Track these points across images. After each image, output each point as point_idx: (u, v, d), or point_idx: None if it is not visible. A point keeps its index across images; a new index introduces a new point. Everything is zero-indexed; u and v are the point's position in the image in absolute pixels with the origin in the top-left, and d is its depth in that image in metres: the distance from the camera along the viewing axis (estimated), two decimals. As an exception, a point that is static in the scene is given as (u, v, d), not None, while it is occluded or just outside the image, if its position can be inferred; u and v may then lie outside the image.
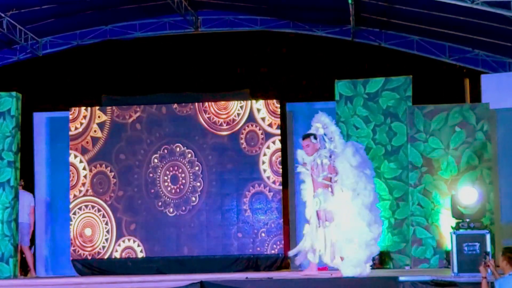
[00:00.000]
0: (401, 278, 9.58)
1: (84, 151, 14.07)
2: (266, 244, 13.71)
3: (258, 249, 13.72)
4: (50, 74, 15.69)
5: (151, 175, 13.99)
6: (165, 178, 13.98)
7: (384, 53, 15.04)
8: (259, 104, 14.01)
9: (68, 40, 15.83)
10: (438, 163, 12.65)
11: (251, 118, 13.99)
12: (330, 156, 9.98)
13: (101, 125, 14.13)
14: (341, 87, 13.34)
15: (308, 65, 15.29)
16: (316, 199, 10.06)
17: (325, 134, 10.22)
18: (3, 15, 13.90)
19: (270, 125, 13.92)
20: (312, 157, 10.18)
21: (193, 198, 13.91)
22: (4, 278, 12.65)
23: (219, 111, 14.08)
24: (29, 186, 14.18)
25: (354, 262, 9.67)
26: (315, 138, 10.15)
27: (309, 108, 14.27)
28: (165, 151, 14.03)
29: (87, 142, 14.11)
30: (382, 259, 12.65)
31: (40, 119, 14.76)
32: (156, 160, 14.01)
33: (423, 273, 10.65)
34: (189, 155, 14.01)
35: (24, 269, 13.89)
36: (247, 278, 10.02)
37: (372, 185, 9.83)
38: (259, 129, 13.94)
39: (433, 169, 12.65)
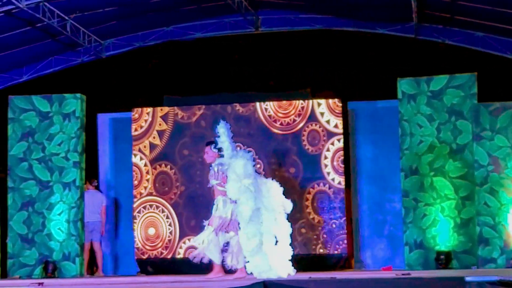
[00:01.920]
0: (467, 279, 9.41)
1: (146, 152, 14.17)
2: (329, 244, 13.66)
3: (321, 248, 13.67)
4: (113, 76, 15.83)
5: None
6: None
7: (447, 50, 14.83)
8: (321, 103, 13.96)
9: (130, 42, 15.95)
10: (505, 162, 12.43)
11: (312, 117, 13.95)
12: (223, 165, 10.12)
13: (162, 126, 14.21)
14: (404, 85, 13.20)
15: (370, 63, 15.15)
16: (215, 206, 10.32)
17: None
18: (66, 18, 14.07)
19: (332, 124, 13.85)
20: (213, 164, 10.39)
21: (256, 198, 13.89)
22: (71, 277, 12.81)
23: (280, 111, 14.06)
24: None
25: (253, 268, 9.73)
26: (216, 146, 10.26)
27: (371, 107, 14.18)
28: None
29: (150, 143, 14.21)
30: (448, 260, 12.48)
31: (103, 120, 14.93)
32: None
33: (489, 273, 10.47)
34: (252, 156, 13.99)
35: (92, 268, 14.05)
36: (310, 277, 9.96)
37: (251, 198, 9.75)
38: (321, 128, 13.89)
39: (499, 168, 12.44)
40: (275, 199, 10.10)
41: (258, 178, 10.04)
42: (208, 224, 10.33)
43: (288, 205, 10.19)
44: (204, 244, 10.28)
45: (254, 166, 9.92)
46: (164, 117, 14.28)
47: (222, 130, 10.14)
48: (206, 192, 13.92)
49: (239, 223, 9.83)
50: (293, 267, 10.09)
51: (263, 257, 9.73)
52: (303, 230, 13.73)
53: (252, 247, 9.67)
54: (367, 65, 15.21)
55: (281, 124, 14.02)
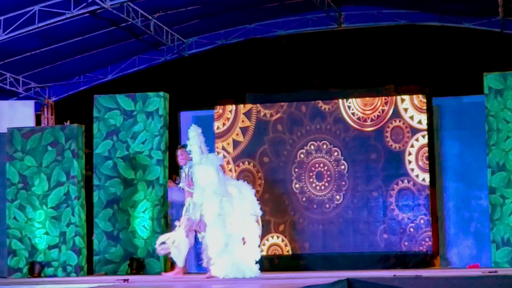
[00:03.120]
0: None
1: (229, 149, 14.21)
2: (414, 241, 13.45)
3: (406, 246, 13.48)
4: (196, 74, 15.94)
5: (296, 171, 13.97)
6: (310, 174, 13.93)
7: (536, 44, 14.49)
8: (404, 99, 13.77)
9: (212, 40, 16.06)
10: None
11: (396, 114, 13.76)
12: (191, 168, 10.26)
13: (245, 123, 14.23)
14: (491, 80, 12.88)
15: (455, 58, 14.89)
16: (184, 207, 10.41)
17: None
18: (150, 17, 14.23)
19: (416, 120, 13.64)
20: (184, 166, 10.49)
21: (338, 195, 13.81)
22: (155, 273, 12.92)
23: (363, 107, 13.92)
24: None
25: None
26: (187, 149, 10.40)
27: (457, 102, 13.91)
28: (310, 147, 13.98)
29: (233, 140, 14.24)
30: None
31: (186, 117, 15.01)
32: (302, 156, 13.99)
33: None
34: (335, 152, 13.91)
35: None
36: (395, 275, 9.81)
37: (215, 203, 9.87)
38: (405, 125, 13.69)
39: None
40: (246, 202, 10.21)
41: (228, 181, 10.25)
42: (179, 226, 10.47)
43: (257, 208, 10.29)
44: (174, 244, 10.35)
45: (222, 170, 10.15)
46: (247, 114, 14.28)
47: (192, 134, 10.21)
48: (288, 190, 13.92)
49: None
50: (259, 269, 10.14)
51: (228, 259, 9.83)
52: (387, 228, 13.57)
53: (216, 249, 9.82)
54: (452, 60, 14.97)
55: (364, 120, 13.88)
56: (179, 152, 10.72)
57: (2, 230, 13.74)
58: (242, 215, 10.14)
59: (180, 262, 10.53)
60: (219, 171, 10.08)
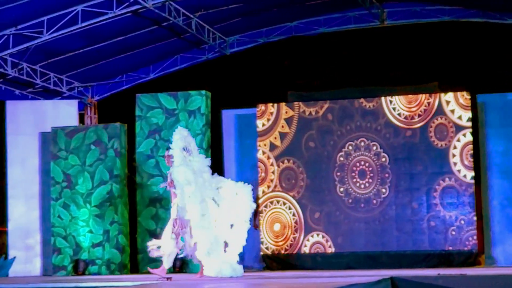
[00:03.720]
0: None
1: (272, 147, 14.18)
2: (459, 240, 13.30)
3: (450, 244, 13.34)
4: (238, 72, 15.94)
5: (338, 173, 13.90)
6: (353, 174, 13.85)
7: None
8: (448, 96, 13.63)
9: (254, 38, 16.03)
10: None
11: (440, 111, 13.63)
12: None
13: (288, 121, 14.19)
14: (536, 76, 12.72)
15: (500, 54, 14.70)
16: (173, 208, 10.39)
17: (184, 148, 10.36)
18: (192, 16, 14.25)
19: (460, 117, 13.50)
20: (170, 168, 10.45)
21: (382, 193, 13.70)
22: (198, 272, 12.91)
23: (407, 105, 13.80)
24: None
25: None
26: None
27: (502, 99, 13.74)
28: (353, 145, 13.91)
29: (275, 138, 14.21)
30: None
31: (228, 116, 15.02)
32: (343, 156, 13.91)
33: None
34: (377, 150, 13.82)
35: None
36: (439, 274, 9.72)
37: (195, 205, 10.01)
38: (449, 122, 13.55)
39: None
40: (239, 205, 10.35)
41: (222, 183, 10.46)
42: (169, 229, 10.43)
43: (248, 213, 10.43)
44: (166, 251, 10.32)
45: (209, 172, 10.35)
46: (289, 112, 14.22)
47: (176, 137, 10.28)
48: (331, 186, 13.85)
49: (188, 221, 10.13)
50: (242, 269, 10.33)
51: (218, 258, 10.04)
52: (432, 226, 13.43)
53: (204, 249, 9.97)
54: (496, 56, 14.78)
55: (408, 118, 13.75)
56: (165, 154, 10.73)
57: (47, 228, 13.88)
58: (228, 218, 10.32)
59: (166, 264, 10.46)
60: (202, 172, 10.24)
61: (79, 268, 13.28)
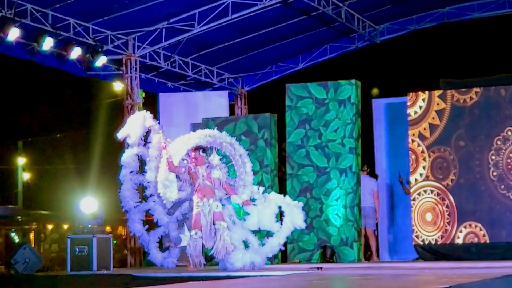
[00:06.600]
0: None
1: (422, 136, 13.89)
2: None
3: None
4: (388, 60, 15.75)
5: (493, 158, 13.47)
6: (508, 161, 13.39)
7: None
8: None
9: (404, 26, 15.77)
10: None
11: None
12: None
13: (440, 110, 13.85)
14: None
15: None
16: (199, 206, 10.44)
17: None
18: (341, 5, 14.16)
19: None
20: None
21: (540, 182, 13.20)
22: (348, 261, 12.87)
23: None
24: (371, 172, 14.33)
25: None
26: (204, 151, 10.62)
27: None
28: (508, 133, 13.44)
29: (424, 129, 13.89)
30: None
31: (378, 105, 14.85)
32: (499, 143, 13.47)
33: None
34: (534, 138, 13.32)
35: (365, 253, 14.03)
36: None
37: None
38: None
39: None
40: (263, 213, 10.68)
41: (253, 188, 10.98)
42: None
43: (271, 222, 10.82)
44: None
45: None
46: (442, 98, 13.88)
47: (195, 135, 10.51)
48: (485, 176, 13.43)
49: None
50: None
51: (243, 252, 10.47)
52: None
53: (233, 244, 10.39)
54: None
55: None
56: (195, 154, 10.63)
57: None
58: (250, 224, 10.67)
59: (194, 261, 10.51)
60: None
61: (326, 255, 13.30)
